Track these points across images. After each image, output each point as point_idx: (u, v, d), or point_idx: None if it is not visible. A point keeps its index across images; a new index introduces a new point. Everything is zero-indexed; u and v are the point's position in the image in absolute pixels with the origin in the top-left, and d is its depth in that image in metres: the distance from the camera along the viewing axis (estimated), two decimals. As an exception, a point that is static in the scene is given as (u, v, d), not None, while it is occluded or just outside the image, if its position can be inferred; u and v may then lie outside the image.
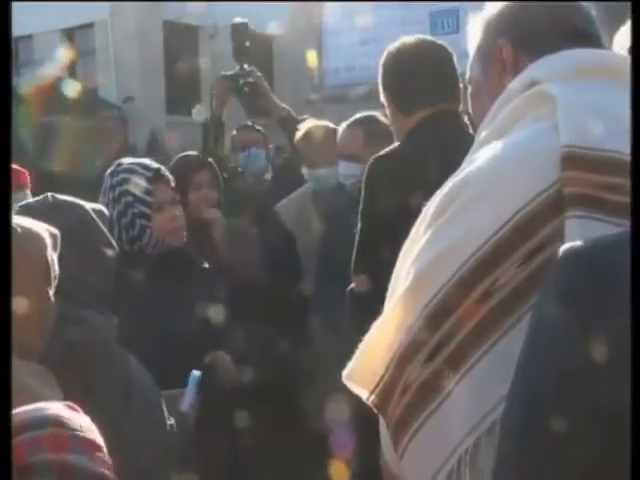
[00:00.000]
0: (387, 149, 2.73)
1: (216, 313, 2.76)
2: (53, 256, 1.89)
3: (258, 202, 3.97)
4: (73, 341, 1.98)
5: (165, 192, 2.83)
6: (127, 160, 2.89)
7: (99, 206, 2.42)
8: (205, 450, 2.52)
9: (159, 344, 2.47)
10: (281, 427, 3.28)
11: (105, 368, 2.09)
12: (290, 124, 4.25)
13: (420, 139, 2.60)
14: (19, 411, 1.41)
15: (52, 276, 1.89)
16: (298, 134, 3.98)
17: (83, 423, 1.40)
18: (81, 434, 1.37)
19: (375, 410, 1.59)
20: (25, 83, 15.02)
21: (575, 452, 0.93)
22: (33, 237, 1.85)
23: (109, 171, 2.82)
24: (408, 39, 2.81)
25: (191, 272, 2.87)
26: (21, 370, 1.75)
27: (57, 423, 1.37)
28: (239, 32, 4.04)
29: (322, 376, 3.26)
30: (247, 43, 4.01)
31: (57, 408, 1.40)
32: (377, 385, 1.56)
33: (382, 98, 2.78)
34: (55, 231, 1.92)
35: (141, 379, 2.28)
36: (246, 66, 4.07)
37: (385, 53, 2.78)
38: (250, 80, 4.05)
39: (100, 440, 1.41)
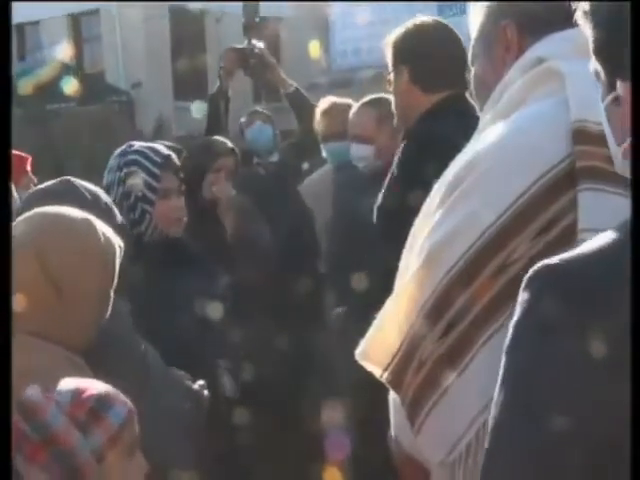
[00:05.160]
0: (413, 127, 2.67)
1: (214, 306, 2.72)
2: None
3: (266, 183, 3.97)
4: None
5: (172, 180, 2.76)
6: (138, 143, 2.86)
7: (94, 188, 2.37)
8: (207, 448, 2.51)
9: (154, 334, 2.44)
10: (281, 426, 3.29)
11: (126, 351, 2.11)
12: (299, 100, 4.26)
13: (443, 118, 2.56)
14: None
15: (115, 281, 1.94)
16: (318, 109, 3.99)
17: (49, 425, 1.46)
18: (34, 436, 1.46)
19: (388, 387, 1.60)
20: (32, 69, 15.03)
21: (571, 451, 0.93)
22: (111, 245, 1.91)
23: (118, 151, 2.78)
24: (425, 19, 2.77)
25: (190, 263, 2.82)
26: (64, 361, 1.78)
27: (23, 414, 1.46)
28: (250, 7, 4.06)
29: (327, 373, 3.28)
30: (257, 19, 4.02)
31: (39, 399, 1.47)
32: (391, 362, 1.56)
33: (392, 73, 2.72)
34: (121, 243, 1.97)
35: (155, 362, 2.29)
36: (254, 41, 4.08)
37: (402, 30, 2.71)
38: (257, 52, 4.06)
39: (68, 442, 1.46)
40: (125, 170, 2.72)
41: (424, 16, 2.80)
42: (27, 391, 1.48)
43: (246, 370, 2.82)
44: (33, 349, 1.74)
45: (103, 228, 1.92)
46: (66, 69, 16.36)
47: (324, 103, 4.05)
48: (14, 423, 1.44)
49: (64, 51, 17.80)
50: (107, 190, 2.68)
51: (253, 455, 2.95)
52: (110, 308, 1.93)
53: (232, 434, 2.77)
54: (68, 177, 2.29)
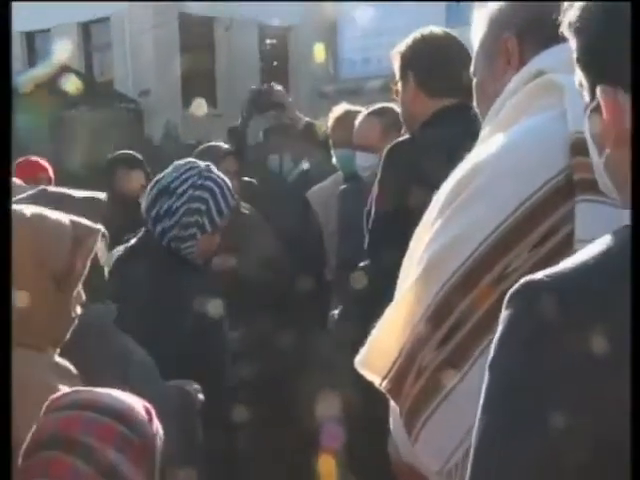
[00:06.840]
0: (409, 134, 2.71)
1: (215, 307, 2.74)
2: (85, 251, 1.84)
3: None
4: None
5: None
6: (217, 171, 2.86)
7: (92, 194, 2.35)
8: (202, 445, 2.52)
9: (156, 335, 2.45)
10: (278, 421, 3.29)
11: (101, 352, 2.11)
12: (309, 133, 4.36)
13: (445, 125, 2.58)
14: (98, 391, 1.47)
15: (74, 273, 1.84)
16: (331, 115, 4.03)
17: (143, 428, 1.44)
18: (135, 438, 1.42)
19: (387, 395, 1.60)
20: (42, 76, 15.09)
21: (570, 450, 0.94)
22: (45, 234, 1.80)
23: (201, 167, 2.80)
24: (435, 29, 2.80)
25: (192, 267, 2.85)
26: (40, 364, 1.77)
27: (118, 417, 1.42)
28: (267, 53, 4.14)
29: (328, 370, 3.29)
30: (275, 63, 4.11)
31: (129, 404, 1.46)
32: (390, 370, 1.57)
33: (399, 78, 2.74)
34: (97, 226, 1.89)
35: (144, 362, 2.30)
36: (273, 84, 4.13)
37: (410, 39, 2.75)
38: (274, 100, 4.13)
39: (153, 448, 1.45)
40: (199, 192, 2.75)
41: (433, 27, 2.82)
42: (102, 396, 1.45)
43: (244, 366, 2.84)
44: (25, 362, 1.68)
45: (46, 213, 1.81)
46: (75, 76, 16.42)
47: (337, 110, 4.07)
48: (109, 427, 1.41)
49: (74, 59, 17.86)
50: (165, 191, 2.73)
51: (251, 450, 2.97)
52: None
53: (230, 429, 2.78)
54: (44, 186, 2.29)
